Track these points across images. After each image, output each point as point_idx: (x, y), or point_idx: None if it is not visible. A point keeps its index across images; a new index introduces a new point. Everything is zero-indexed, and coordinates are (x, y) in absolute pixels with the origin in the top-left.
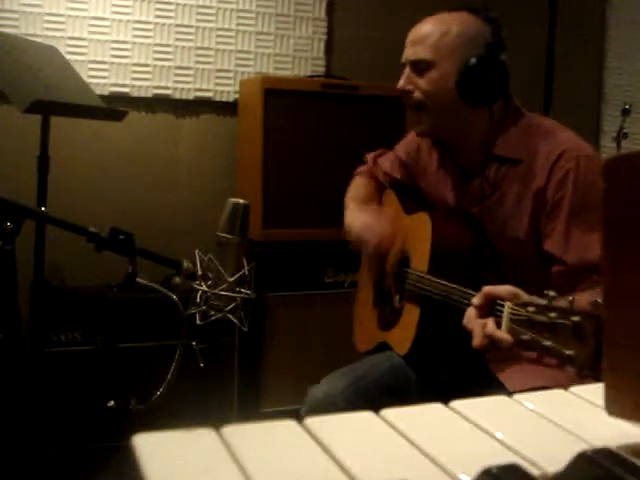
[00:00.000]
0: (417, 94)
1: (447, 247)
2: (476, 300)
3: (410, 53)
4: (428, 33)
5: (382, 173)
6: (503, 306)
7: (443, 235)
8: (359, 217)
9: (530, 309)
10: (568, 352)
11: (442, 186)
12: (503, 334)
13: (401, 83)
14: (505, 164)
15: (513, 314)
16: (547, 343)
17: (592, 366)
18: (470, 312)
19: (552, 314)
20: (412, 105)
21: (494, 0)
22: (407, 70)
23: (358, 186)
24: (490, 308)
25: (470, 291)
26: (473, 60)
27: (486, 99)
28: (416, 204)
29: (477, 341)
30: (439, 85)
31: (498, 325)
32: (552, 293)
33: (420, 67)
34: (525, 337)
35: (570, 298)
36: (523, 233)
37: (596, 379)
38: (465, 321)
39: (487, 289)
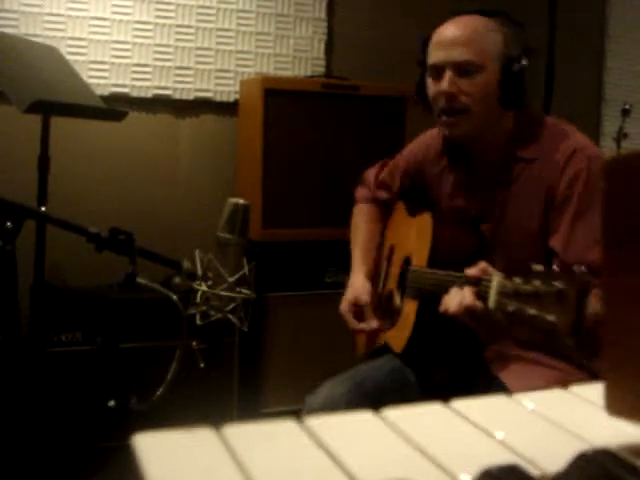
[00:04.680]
0: (463, 98)
1: (448, 244)
2: (472, 270)
3: (456, 54)
4: (472, 35)
5: (386, 189)
6: (490, 281)
7: (445, 233)
8: (352, 279)
9: (517, 280)
10: (550, 318)
11: (452, 189)
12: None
13: (445, 85)
14: (519, 163)
15: (500, 286)
16: (532, 312)
17: (573, 331)
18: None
19: (537, 282)
20: (456, 109)
21: (494, 0)
22: (449, 73)
23: (361, 221)
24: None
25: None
26: (517, 64)
27: (523, 101)
28: (422, 208)
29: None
30: (487, 88)
31: (485, 300)
32: (539, 267)
33: (467, 69)
34: (511, 308)
35: (555, 267)
36: (535, 231)
37: (579, 350)
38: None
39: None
